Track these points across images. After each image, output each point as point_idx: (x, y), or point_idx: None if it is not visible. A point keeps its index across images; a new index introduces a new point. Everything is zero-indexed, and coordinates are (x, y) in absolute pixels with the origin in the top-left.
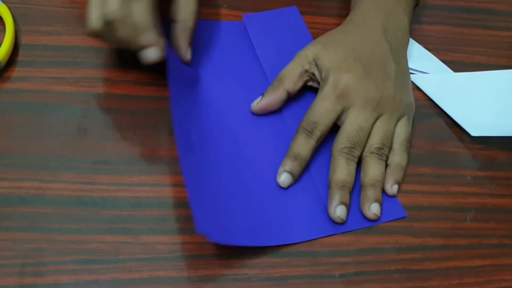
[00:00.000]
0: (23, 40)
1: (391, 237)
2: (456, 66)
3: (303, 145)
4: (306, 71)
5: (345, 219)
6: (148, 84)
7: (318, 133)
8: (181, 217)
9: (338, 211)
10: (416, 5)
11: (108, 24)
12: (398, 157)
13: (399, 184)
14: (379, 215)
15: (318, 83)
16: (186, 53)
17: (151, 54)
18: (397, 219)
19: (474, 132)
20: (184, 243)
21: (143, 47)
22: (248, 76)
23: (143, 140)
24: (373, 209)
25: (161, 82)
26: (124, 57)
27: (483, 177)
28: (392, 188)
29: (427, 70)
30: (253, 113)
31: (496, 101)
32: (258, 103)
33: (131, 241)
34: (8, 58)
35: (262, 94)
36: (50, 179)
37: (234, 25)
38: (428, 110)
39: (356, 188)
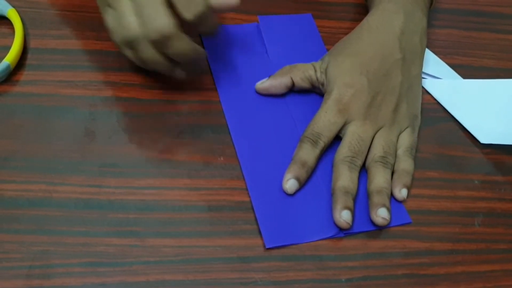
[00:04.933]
0: (32, 43)
1: (399, 241)
2: (465, 69)
3: (309, 153)
4: (315, 70)
5: (351, 223)
6: (155, 88)
7: (322, 143)
8: (187, 220)
9: (344, 216)
10: (429, 6)
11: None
12: (403, 163)
13: (408, 188)
14: (388, 219)
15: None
16: None
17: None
18: (402, 224)
19: (483, 140)
20: (191, 246)
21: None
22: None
23: (150, 143)
24: (380, 213)
25: (168, 86)
26: (132, 61)
27: (491, 182)
28: (400, 192)
29: (438, 75)
30: (256, 92)
31: (507, 110)
32: (263, 83)
33: (138, 244)
34: (17, 61)
35: (269, 76)
36: (58, 182)
37: (247, 27)
38: (435, 114)
39: (359, 197)
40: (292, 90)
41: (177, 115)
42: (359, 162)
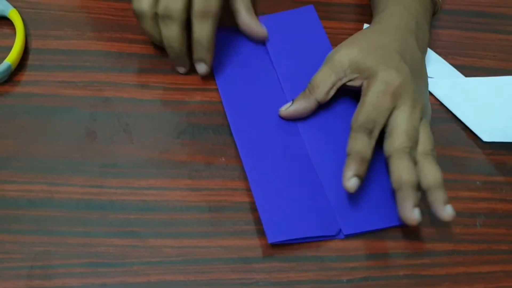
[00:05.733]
0: (33, 44)
1: (400, 242)
2: (466, 70)
3: (366, 145)
4: (340, 79)
5: (420, 219)
6: (156, 88)
7: (376, 131)
8: (188, 221)
9: (416, 214)
10: (433, 14)
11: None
12: (431, 175)
13: (449, 203)
14: (454, 214)
15: (355, 87)
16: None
17: (181, 70)
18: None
19: (486, 138)
20: (192, 247)
21: None
22: (262, 79)
23: (151, 143)
24: (449, 209)
25: (169, 86)
26: (133, 61)
27: (493, 182)
28: (445, 210)
29: (436, 75)
30: (280, 117)
31: (509, 107)
32: (287, 109)
33: (139, 245)
34: (18, 62)
35: (292, 100)
36: (59, 182)
37: None
38: (437, 114)
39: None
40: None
41: (178, 115)
42: (415, 153)
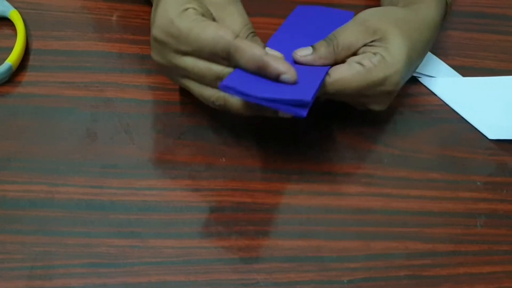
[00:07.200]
0: (34, 45)
1: (401, 242)
2: (466, 71)
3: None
4: (368, 45)
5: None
6: (156, 89)
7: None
8: (189, 221)
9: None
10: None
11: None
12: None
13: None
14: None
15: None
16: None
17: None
18: (299, 100)
19: (491, 136)
20: (192, 247)
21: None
22: None
23: (152, 144)
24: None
25: (170, 87)
26: (133, 62)
27: (494, 183)
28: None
29: (435, 74)
30: (294, 59)
31: None
32: (305, 57)
33: (139, 245)
34: (19, 62)
35: (312, 47)
36: (60, 182)
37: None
38: (437, 115)
39: None
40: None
41: (178, 116)
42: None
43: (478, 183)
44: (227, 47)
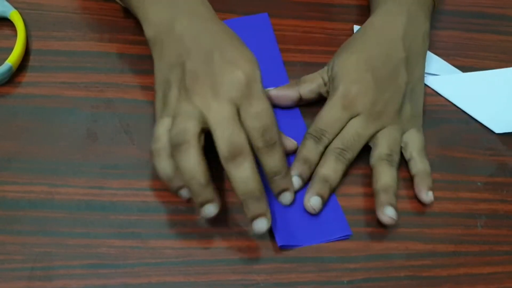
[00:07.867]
0: (34, 45)
1: (401, 243)
2: (466, 71)
3: (311, 150)
4: (325, 84)
5: (317, 210)
6: None
7: (325, 140)
8: (189, 222)
9: (312, 201)
10: (432, 9)
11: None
12: (421, 165)
13: (432, 190)
14: (395, 218)
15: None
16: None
17: (208, 210)
18: (342, 237)
19: (498, 130)
20: (192, 248)
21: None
22: None
23: None
24: (387, 212)
25: None
26: (134, 63)
27: (494, 183)
28: (427, 195)
29: (437, 73)
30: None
31: None
32: (268, 91)
33: (139, 246)
34: (19, 63)
35: (276, 87)
36: (60, 183)
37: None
38: (438, 115)
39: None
40: (299, 104)
41: None
42: (349, 157)
43: (479, 184)
44: None
